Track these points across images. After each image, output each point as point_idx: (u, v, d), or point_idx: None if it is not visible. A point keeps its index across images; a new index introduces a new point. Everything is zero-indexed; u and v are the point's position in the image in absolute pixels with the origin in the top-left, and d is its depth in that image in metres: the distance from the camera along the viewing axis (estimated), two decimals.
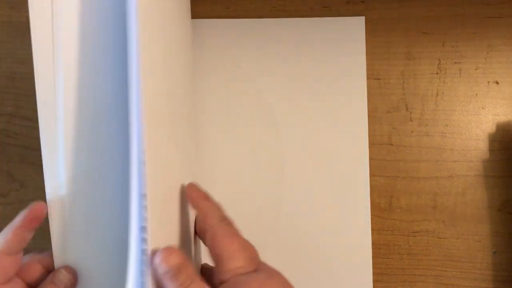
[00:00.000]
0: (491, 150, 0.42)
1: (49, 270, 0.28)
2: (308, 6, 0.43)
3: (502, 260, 0.41)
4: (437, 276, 0.41)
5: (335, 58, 0.42)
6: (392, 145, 0.42)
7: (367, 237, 0.40)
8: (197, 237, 0.32)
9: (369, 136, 0.42)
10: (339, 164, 0.41)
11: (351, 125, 0.41)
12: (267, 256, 0.40)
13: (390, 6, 0.43)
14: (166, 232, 0.27)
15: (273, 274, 0.27)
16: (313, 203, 0.41)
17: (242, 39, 0.42)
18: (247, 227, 0.40)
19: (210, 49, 0.42)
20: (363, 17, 0.42)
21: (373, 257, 0.40)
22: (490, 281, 0.40)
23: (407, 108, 0.42)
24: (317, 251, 0.40)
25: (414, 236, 0.41)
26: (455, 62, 0.42)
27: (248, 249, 0.28)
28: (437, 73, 0.42)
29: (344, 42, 0.42)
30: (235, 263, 0.26)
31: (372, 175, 0.41)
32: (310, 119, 0.41)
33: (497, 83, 0.42)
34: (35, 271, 0.28)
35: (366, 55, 0.42)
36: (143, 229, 0.24)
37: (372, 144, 0.42)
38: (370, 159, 0.41)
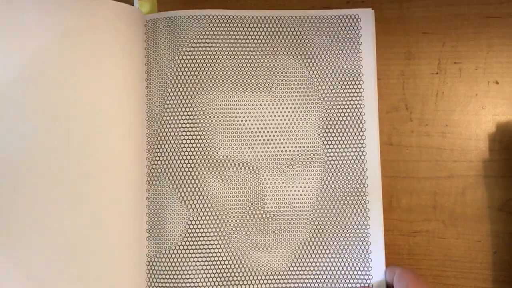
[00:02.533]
0: (491, 150, 0.42)
1: None
2: (308, 5, 0.43)
3: (502, 260, 0.41)
4: (437, 276, 0.41)
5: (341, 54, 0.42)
6: (392, 145, 0.42)
7: (379, 238, 0.40)
8: None
9: None
10: (348, 163, 0.41)
11: (362, 124, 0.41)
12: (269, 254, 0.40)
13: (390, 6, 0.43)
14: None
15: None
16: (321, 203, 0.40)
17: (243, 35, 0.42)
18: (257, 227, 0.40)
19: (219, 44, 0.42)
20: (371, 10, 0.42)
21: None
22: (490, 281, 0.40)
23: (407, 108, 0.42)
24: (321, 250, 0.40)
25: (414, 236, 0.41)
26: (455, 62, 0.42)
27: None
28: (437, 73, 0.42)
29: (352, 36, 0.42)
30: None
31: None
32: (317, 118, 0.41)
33: (497, 83, 0.42)
34: None
35: None
36: None
37: None
38: None
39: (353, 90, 0.41)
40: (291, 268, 0.40)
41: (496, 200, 0.41)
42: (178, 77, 0.41)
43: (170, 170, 0.40)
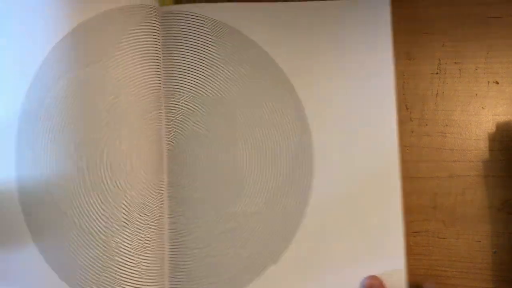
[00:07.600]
0: (491, 150, 0.42)
1: None
2: None
3: (502, 260, 0.41)
4: (437, 276, 0.41)
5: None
6: None
7: (399, 238, 0.40)
8: None
9: None
10: (369, 165, 0.40)
11: (379, 126, 0.41)
12: (289, 251, 0.40)
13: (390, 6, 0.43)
14: None
15: None
16: (341, 202, 0.40)
17: (261, 23, 0.42)
18: (272, 223, 0.40)
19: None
20: None
21: None
22: (490, 281, 0.40)
23: (407, 108, 0.42)
24: (344, 249, 0.40)
25: (414, 236, 0.41)
26: (455, 62, 0.42)
27: None
28: (437, 73, 0.42)
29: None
30: None
31: None
32: (338, 116, 0.41)
33: (497, 83, 0.42)
34: None
35: None
36: None
37: None
38: None
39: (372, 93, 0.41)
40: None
41: (496, 200, 0.41)
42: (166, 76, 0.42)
43: None
